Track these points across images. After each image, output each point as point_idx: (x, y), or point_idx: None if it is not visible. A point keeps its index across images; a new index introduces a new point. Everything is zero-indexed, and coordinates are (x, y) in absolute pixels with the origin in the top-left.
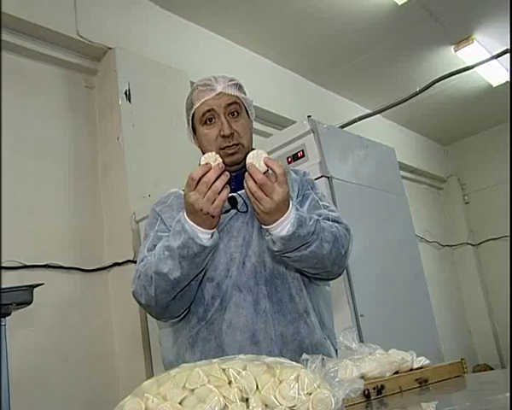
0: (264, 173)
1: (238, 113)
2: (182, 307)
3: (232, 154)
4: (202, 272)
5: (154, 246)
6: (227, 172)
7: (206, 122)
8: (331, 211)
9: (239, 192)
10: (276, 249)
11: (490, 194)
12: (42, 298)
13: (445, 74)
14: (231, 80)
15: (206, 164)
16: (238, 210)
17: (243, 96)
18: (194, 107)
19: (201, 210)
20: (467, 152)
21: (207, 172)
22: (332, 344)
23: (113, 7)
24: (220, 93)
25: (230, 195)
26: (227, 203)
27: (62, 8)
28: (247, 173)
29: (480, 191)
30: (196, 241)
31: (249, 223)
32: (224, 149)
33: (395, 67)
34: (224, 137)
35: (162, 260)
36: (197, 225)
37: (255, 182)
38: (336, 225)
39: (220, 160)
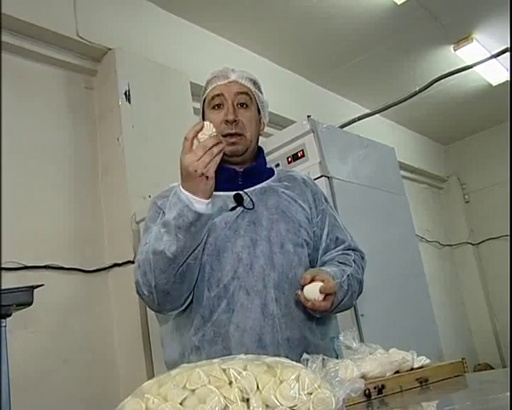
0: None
1: (247, 105)
2: (182, 292)
3: (233, 143)
4: (199, 248)
5: None
6: (223, 141)
7: (214, 107)
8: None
9: (245, 190)
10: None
11: (490, 193)
12: (42, 299)
13: (444, 74)
14: (248, 75)
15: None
16: (245, 207)
17: (256, 91)
18: (207, 91)
19: (195, 171)
20: (467, 151)
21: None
22: (334, 348)
23: (113, 8)
24: (233, 81)
25: (236, 192)
26: (233, 200)
27: (62, 9)
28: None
29: (480, 191)
30: (191, 208)
31: (256, 222)
32: (225, 136)
33: (394, 67)
34: (227, 122)
35: (159, 238)
36: (192, 194)
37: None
38: (358, 259)
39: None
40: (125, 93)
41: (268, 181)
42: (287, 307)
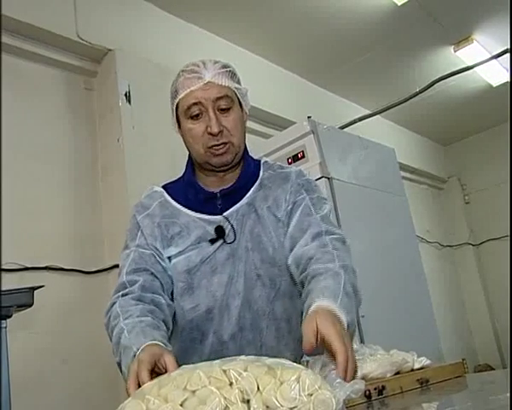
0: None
1: (230, 107)
2: None
3: (221, 154)
4: None
5: (134, 270)
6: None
7: (191, 116)
8: (328, 222)
9: (225, 214)
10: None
11: (490, 194)
12: (42, 300)
13: (444, 74)
14: (222, 67)
15: None
16: (225, 241)
17: (236, 86)
18: (179, 96)
19: None
20: (467, 152)
21: None
22: None
23: (113, 8)
24: (209, 83)
25: (217, 225)
26: (213, 232)
27: (62, 10)
28: None
29: (480, 191)
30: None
31: (235, 255)
32: (211, 147)
33: (395, 68)
34: (211, 134)
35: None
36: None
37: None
38: (336, 245)
39: None
40: (126, 94)
41: (250, 193)
42: (263, 347)
